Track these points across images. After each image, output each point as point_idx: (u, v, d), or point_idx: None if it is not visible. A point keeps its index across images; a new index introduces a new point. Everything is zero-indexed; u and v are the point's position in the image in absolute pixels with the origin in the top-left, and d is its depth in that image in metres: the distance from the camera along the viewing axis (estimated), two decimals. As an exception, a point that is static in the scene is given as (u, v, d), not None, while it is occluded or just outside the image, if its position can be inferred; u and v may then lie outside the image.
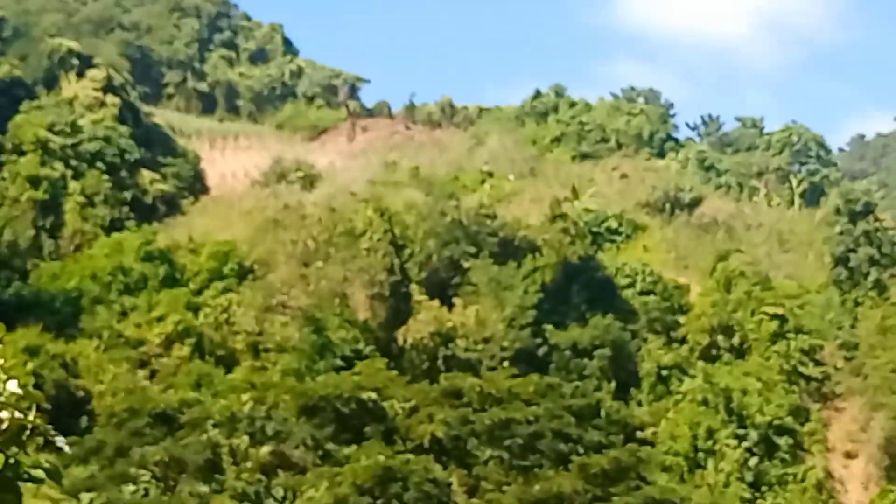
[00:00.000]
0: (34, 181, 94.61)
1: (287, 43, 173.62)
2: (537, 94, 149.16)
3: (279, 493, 51.33)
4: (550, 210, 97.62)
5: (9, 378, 3.79)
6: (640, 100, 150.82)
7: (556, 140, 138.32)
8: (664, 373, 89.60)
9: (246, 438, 52.33)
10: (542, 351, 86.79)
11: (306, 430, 53.20)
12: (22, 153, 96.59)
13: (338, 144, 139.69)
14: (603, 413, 64.64)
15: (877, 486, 74.18)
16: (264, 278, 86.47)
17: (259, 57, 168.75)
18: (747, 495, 77.63)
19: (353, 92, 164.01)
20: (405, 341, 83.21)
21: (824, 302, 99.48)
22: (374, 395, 54.63)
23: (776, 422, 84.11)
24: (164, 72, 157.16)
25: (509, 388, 57.59)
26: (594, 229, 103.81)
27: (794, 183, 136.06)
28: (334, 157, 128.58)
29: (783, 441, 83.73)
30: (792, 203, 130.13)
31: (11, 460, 3.39)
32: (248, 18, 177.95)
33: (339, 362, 74.52)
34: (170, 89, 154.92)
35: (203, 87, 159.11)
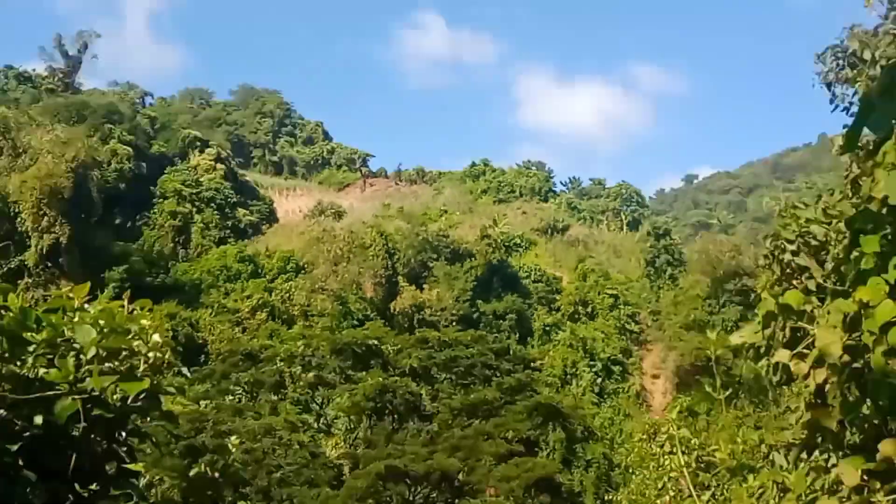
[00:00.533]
0: (173, 214, 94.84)
1: (325, 133, 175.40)
2: (473, 164, 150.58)
3: (319, 399, 51.42)
4: (480, 233, 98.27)
5: (154, 332, 3.92)
6: (534, 167, 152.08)
7: (484, 191, 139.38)
8: (547, 328, 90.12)
9: (299, 368, 52.27)
10: (475, 315, 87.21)
11: (335, 362, 53.14)
12: (166, 198, 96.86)
13: (355, 194, 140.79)
14: (511, 352, 64.88)
15: (671, 395, 74.88)
16: (311, 273, 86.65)
17: (308, 141, 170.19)
18: (595, 400, 78.33)
19: (364, 162, 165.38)
20: (395, 310, 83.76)
21: (640, 287, 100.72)
22: (375, 342, 54.68)
23: (612, 357, 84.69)
24: (251, 150, 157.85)
25: (456, 338, 57.74)
26: (506, 244, 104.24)
27: (623, 217, 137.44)
28: (353, 201, 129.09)
29: (616, 369, 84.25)
30: (622, 229, 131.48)
31: (155, 382, 3.53)
32: (302, 118, 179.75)
33: (355, 323, 74.83)
34: (255, 160, 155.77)
35: (275, 159, 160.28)
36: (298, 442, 41.61)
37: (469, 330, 68.55)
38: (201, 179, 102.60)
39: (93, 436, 2.83)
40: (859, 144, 5.65)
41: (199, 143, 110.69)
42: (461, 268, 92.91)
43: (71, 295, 3.22)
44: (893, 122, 4.58)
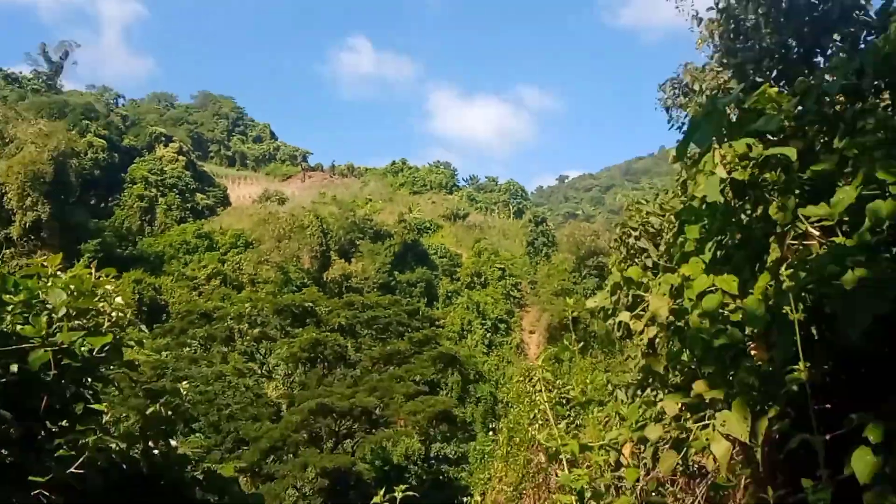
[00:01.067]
0: (141, 197, 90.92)
1: (272, 133, 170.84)
2: (393, 162, 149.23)
3: (262, 351, 50.32)
4: (398, 218, 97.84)
5: (117, 295, 3.78)
6: (442, 166, 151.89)
7: (402, 185, 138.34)
8: (449, 294, 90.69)
9: (247, 325, 51.04)
10: (392, 284, 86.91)
11: (277, 321, 52.17)
12: (135, 183, 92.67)
13: (296, 184, 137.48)
14: (420, 313, 65.01)
15: (543, 346, 76.57)
16: (258, 248, 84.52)
17: (258, 139, 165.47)
18: (485, 350, 79.23)
19: (304, 158, 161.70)
20: (327, 279, 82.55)
21: (522, 262, 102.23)
22: (311, 304, 53.77)
23: (499, 317, 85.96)
24: (209, 145, 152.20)
25: (377, 301, 57.36)
26: (419, 227, 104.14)
27: (510, 208, 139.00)
28: (294, 190, 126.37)
29: (502, 326, 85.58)
30: (509, 217, 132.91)
31: (118, 336, 3.41)
32: (253, 119, 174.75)
33: (294, 289, 73.26)
34: (211, 154, 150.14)
35: (229, 153, 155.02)
36: (244, 385, 40.90)
37: (387, 295, 68.22)
38: (165, 169, 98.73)
39: (62, 381, 2.71)
40: (688, 155, 5.87)
41: (164, 139, 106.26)
42: (382, 245, 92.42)
43: (45, 263, 3.07)
44: (713, 139, 4.79)
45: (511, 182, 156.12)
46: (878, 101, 6.10)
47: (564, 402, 13.24)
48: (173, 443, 3.27)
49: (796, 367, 3.66)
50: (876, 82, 5.71)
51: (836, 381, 4.58)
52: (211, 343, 48.74)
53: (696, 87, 9.32)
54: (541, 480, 12.29)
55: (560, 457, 3.34)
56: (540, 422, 13.41)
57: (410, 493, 4.10)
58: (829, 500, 2.60)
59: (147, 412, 3.16)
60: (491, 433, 20.70)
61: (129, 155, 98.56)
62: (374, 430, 37.65)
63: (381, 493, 3.91)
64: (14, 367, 2.55)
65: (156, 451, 3.04)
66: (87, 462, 2.73)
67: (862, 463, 3.54)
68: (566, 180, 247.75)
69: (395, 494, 4.12)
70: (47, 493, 2.63)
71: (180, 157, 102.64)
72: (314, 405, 34.35)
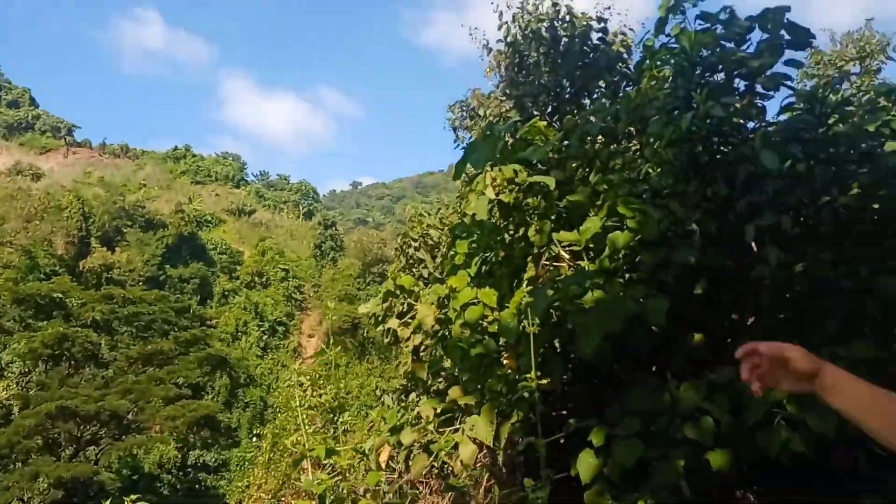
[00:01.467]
0: None
1: (32, 99, 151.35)
2: (176, 147, 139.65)
3: (-5, 344, 44.09)
4: (175, 207, 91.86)
5: None
6: (230, 158, 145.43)
7: (184, 172, 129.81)
8: (226, 293, 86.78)
9: (-23, 313, 44.49)
10: (162, 278, 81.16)
11: (15, 311, 46.00)
12: None
13: (57, 159, 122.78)
14: (191, 311, 61.36)
15: (319, 351, 76.21)
16: (1, 227, 74.20)
17: (13, 104, 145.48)
18: (259, 353, 76.99)
19: (69, 131, 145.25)
20: (84, 268, 74.70)
21: (308, 265, 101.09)
22: (60, 295, 48.19)
23: (278, 319, 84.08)
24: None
25: (140, 296, 53.09)
26: (198, 220, 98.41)
27: (300, 209, 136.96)
28: (54, 166, 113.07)
29: (281, 328, 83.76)
30: (298, 218, 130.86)
31: None
32: (10, 82, 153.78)
33: (42, 276, 64.96)
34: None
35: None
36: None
37: (154, 290, 63.33)
38: None
39: None
40: (467, 174, 6.24)
41: None
42: (154, 236, 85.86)
43: None
44: (487, 162, 5.17)
45: (303, 182, 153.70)
46: (629, 144, 7.00)
47: (337, 406, 13.27)
48: None
49: (531, 376, 4.05)
50: (629, 128, 6.55)
51: (574, 390, 5.15)
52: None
53: (481, 112, 9.99)
54: (301, 489, 12.18)
55: (303, 461, 3.36)
56: (307, 426, 13.30)
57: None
58: (546, 497, 2.90)
59: None
60: (255, 439, 20.09)
61: None
62: (123, 437, 34.59)
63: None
64: None
65: None
66: None
67: (585, 464, 4.03)
68: (359, 187, 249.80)
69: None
70: None
71: None
72: (53, 408, 30.71)
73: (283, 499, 11.32)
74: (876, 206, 3.98)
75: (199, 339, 46.39)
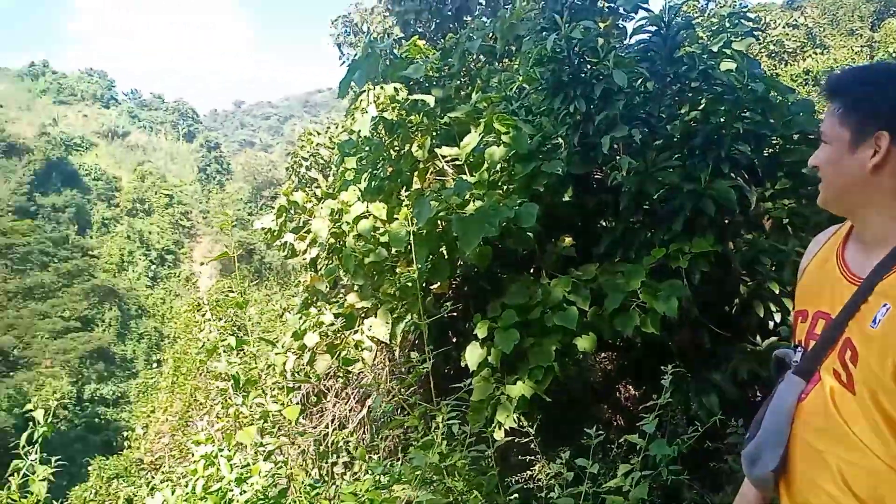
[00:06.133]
0: None
1: None
2: (33, 64, 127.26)
3: None
4: (39, 130, 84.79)
5: None
6: (97, 75, 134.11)
7: (43, 92, 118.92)
8: (106, 222, 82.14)
9: None
10: (33, 208, 75.56)
11: None
12: None
13: None
14: (70, 242, 57.92)
15: (216, 279, 74.47)
16: None
17: None
18: (149, 283, 74.11)
19: None
20: (-59, 199, 68.28)
21: (193, 190, 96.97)
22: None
23: (166, 248, 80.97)
24: None
25: (12, 227, 49.60)
26: (66, 143, 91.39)
27: (180, 129, 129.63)
28: None
29: (170, 257, 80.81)
30: (178, 140, 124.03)
31: None
32: None
33: None
34: None
35: None
36: None
37: (26, 220, 59.10)
38: None
39: None
40: (353, 91, 6.41)
41: None
42: (18, 162, 79.12)
43: None
44: (370, 79, 5.39)
45: (181, 101, 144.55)
46: (509, 63, 7.35)
47: (237, 330, 13.38)
48: None
49: (423, 279, 4.47)
50: (506, 48, 6.88)
51: (460, 292, 5.65)
52: None
53: (365, 28, 9.95)
54: (209, 407, 12.40)
55: (219, 352, 3.65)
56: (207, 349, 13.39)
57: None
58: (431, 367, 3.34)
59: None
60: (156, 366, 19.90)
61: None
62: (11, 373, 33.12)
63: (24, 437, 3.68)
64: None
65: None
66: None
67: (471, 354, 4.56)
68: (242, 105, 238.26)
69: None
70: None
71: None
72: (-74, 349, 28.89)
73: (190, 419, 11.51)
74: (714, 119, 4.55)
75: (82, 271, 44.31)
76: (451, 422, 3.08)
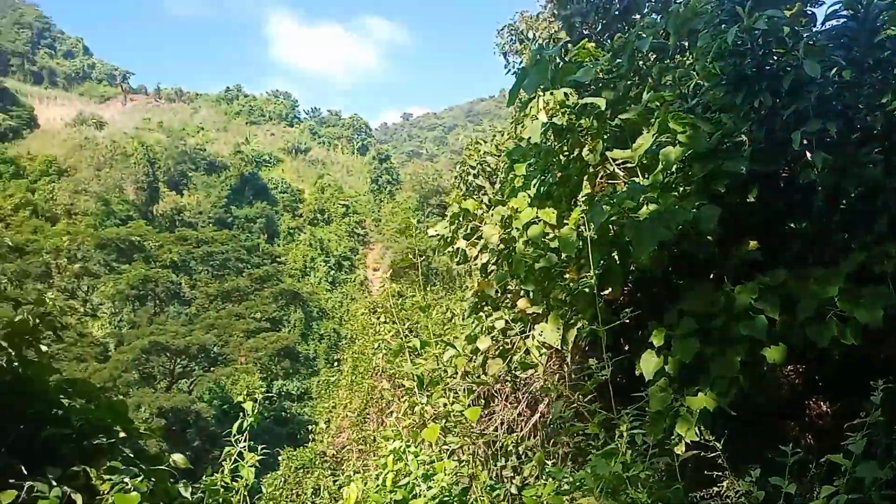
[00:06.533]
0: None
1: (86, 48, 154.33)
2: (228, 89, 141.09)
3: (85, 288, 46.86)
4: (234, 149, 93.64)
5: None
6: (282, 97, 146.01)
7: (237, 113, 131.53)
8: (291, 231, 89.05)
9: (65, 261, 47.14)
10: (229, 219, 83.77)
11: (100, 256, 48.69)
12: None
13: (116, 107, 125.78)
14: (260, 249, 63.45)
15: (387, 284, 77.33)
16: (74, 176, 77.24)
17: (69, 55, 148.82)
18: (328, 288, 79.05)
19: (125, 78, 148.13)
20: (156, 213, 77.66)
21: (366, 200, 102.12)
22: (138, 238, 50.60)
23: (343, 254, 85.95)
24: (9, 59, 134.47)
25: (212, 237, 55.15)
26: (257, 160, 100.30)
27: (354, 144, 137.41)
28: (114, 114, 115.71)
29: (346, 263, 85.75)
30: (353, 153, 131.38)
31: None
32: (63, 32, 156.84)
33: (118, 222, 68.01)
34: (13, 69, 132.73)
35: (34, 69, 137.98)
36: (66, 324, 38.11)
37: (224, 230, 65.64)
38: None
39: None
40: (520, 100, 6.45)
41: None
42: (217, 177, 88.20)
43: None
44: (539, 86, 5.39)
45: (355, 117, 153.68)
46: (682, 59, 7.01)
47: (409, 332, 13.92)
48: (44, 348, 3.36)
49: (591, 284, 4.38)
50: (679, 44, 6.58)
51: (633, 298, 5.48)
52: (25, 280, 44.56)
53: (530, 35, 9.97)
54: (384, 405, 12.99)
55: (403, 353, 3.82)
56: (384, 351, 14.04)
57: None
58: (609, 375, 3.27)
59: (16, 320, 3.22)
60: (337, 364, 21.19)
61: None
62: (212, 369, 36.90)
63: (235, 426, 4.00)
64: None
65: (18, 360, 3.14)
66: None
67: (647, 363, 4.40)
68: (410, 118, 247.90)
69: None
70: None
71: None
72: (146, 343, 32.97)
73: (368, 416, 12.15)
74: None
75: (271, 276, 48.30)
76: (634, 431, 2.99)
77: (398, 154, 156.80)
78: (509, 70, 11.28)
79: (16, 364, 3.27)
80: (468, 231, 6.20)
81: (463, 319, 7.66)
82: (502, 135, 10.05)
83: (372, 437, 12.47)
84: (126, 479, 2.99)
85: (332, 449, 13.11)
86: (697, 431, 3.65)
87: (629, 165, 4.98)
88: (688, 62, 6.41)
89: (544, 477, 3.67)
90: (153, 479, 3.15)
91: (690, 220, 4.20)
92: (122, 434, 3.35)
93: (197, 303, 43.58)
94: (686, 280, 4.84)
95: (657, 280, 5.02)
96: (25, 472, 2.92)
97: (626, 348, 5.22)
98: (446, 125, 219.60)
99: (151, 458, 3.34)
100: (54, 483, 2.89)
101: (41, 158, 79.32)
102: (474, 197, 9.21)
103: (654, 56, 6.86)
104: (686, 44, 6.68)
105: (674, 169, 4.74)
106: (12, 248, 46.90)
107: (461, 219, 6.12)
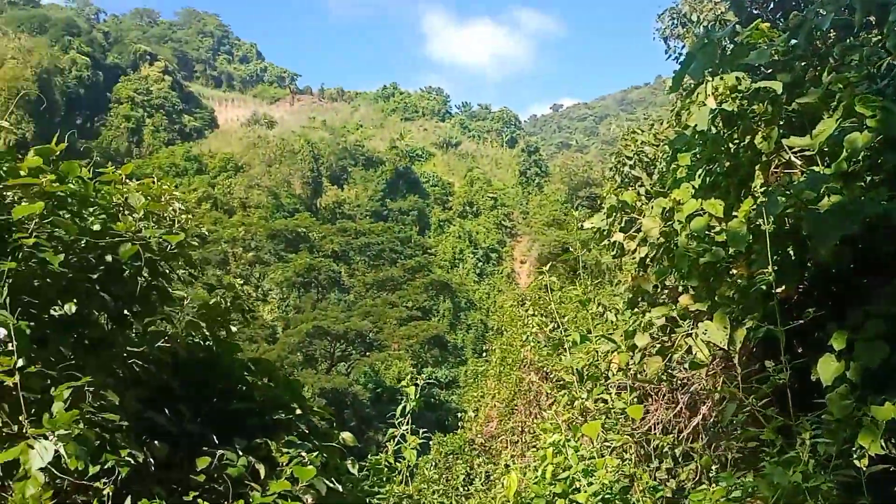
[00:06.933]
0: (127, 118, 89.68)
1: (259, 53, 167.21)
2: (384, 87, 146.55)
3: (257, 274, 50.88)
4: (389, 144, 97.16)
5: (179, 201, 4.08)
6: (434, 93, 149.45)
7: (393, 111, 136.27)
8: (441, 223, 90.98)
9: (241, 249, 51.43)
10: (385, 212, 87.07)
11: (270, 245, 52.61)
12: (121, 103, 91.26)
13: (285, 107, 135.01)
14: (413, 240, 65.47)
15: (534, 276, 77.07)
16: (248, 172, 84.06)
17: (244, 59, 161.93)
18: (476, 279, 79.87)
19: (292, 80, 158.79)
20: (320, 206, 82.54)
21: (514, 192, 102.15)
22: (304, 230, 54.10)
23: (491, 246, 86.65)
24: (194, 65, 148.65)
25: (369, 228, 57.76)
26: (410, 155, 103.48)
27: (503, 137, 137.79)
28: (283, 114, 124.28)
29: (494, 255, 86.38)
30: (502, 146, 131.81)
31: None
32: (238, 39, 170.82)
33: (286, 214, 73.15)
34: (197, 74, 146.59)
35: (215, 74, 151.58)
36: (251, 308, 41.65)
37: (380, 222, 68.53)
38: (151, 88, 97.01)
39: (142, 273, 3.13)
40: (682, 86, 6.14)
41: (148, 57, 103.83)
42: (374, 172, 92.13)
43: (119, 171, 3.48)
44: (707, 71, 5.09)
45: (504, 110, 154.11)
46: (869, 35, 6.35)
47: (557, 326, 13.77)
48: (234, 329, 3.73)
49: (770, 281, 4.07)
50: (866, 19, 5.96)
51: (809, 297, 5.05)
52: (205, 266, 49.25)
53: (694, 18, 9.44)
54: (531, 397, 12.97)
55: (563, 347, 3.78)
56: (532, 343, 14.02)
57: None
58: (788, 379, 3.04)
59: (210, 302, 3.59)
60: (485, 354, 21.46)
61: (114, 73, 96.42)
62: (367, 354, 38.75)
63: (399, 409, 4.09)
64: (108, 258, 2.99)
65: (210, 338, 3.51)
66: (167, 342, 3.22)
67: (825, 367, 4.04)
68: (560, 109, 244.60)
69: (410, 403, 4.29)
70: (141, 363, 3.10)
71: (166, 77, 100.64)
72: (310, 328, 35.25)
73: (516, 407, 12.20)
74: None
75: (422, 267, 49.82)
76: (818, 440, 2.75)
77: (547, 146, 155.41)
78: (669, 55, 10.81)
79: (209, 343, 3.65)
80: (623, 225, 6.00)
81: (617, 315, 7.43)
82: (661, 123, 9.63)
83: (520, 428, 12.51)
84: (303, 454, 3.21)
85: (481, 437, 13.29)
86: (883, 444, 3.32)
87: (807, 153, 4.58)
88: (875, 39, 5.80)
89: (709, 481, 3.48)
90: (325, 454, 3.37)
91: (881, 212, 3.79)
92: (298, 411, 3.63)
93: (355, 290, 45.93)
94: (873, 278, 4.39)
95: (838, 277, 4.60)
96: (216, 442, 3.23)
97: (800, 350, 4.83)
98: (597, 115, 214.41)
99: (323, 434, 3.59)
100: (240, 453, 3.17)
101: (220, 156, 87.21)
102: (630, 188, 8.91)
103: (836, 34, 6.27)
104: (874, 19, 6.04)
105: (860, 157, 4.31)
106: (196, 237, 51.77)
107: (618, 211, 5.94)
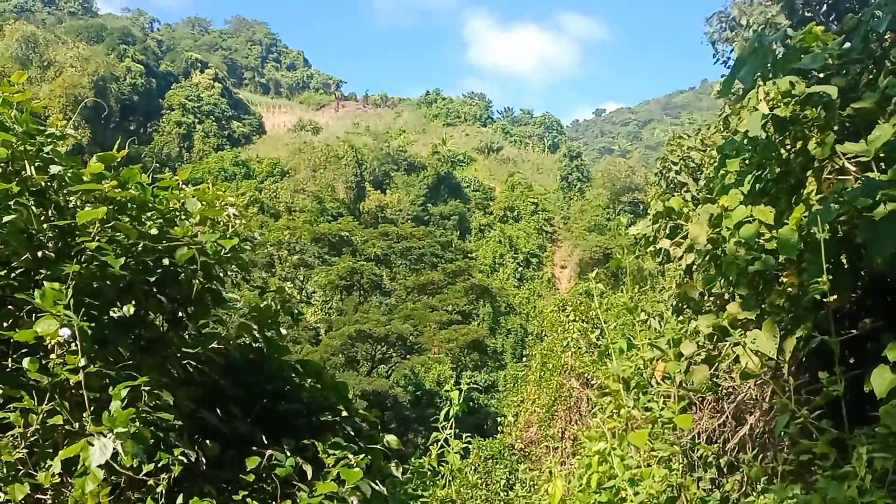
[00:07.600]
0: (179, 124, 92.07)
1: (305, 60, 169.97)
2: (427, 93, 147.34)
3: (301, 277, 51.57)
4: (431, 150, 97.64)
5: (232, 206, 4.19)
6: (476, 98, 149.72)
7: (435, 116, 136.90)
8: (482, 228, 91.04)
9: (286, 252, 52.22)
10: (426, 217, 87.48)
11: (314, 249, 53.22)
12: (172, 110, 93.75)
13: (330, 113, 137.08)
14: (453, 245, 65.52)
15: (574, 281, 76.63)
16: (293, 177, 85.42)
17: (291, 67, 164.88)
18: (516, 284, 79.62)
19: (337, 87, 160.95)
20: (362, 210, 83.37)
21: (556, 197, 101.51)
22: (347, 233, 54.60)
23: (531, 251, 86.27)
24: (243, 72, 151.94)
25: (411, 232, 57.94)
26: (452, 160, 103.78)
27: (545, 141, 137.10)
28: (328, 120, 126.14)
29: (534, 260, 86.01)
30: (544, 151, 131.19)
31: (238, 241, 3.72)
32: (286, 47, 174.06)
33: (330, 218, 73.98)
34: (246, 81, 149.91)
35: (263, 81, 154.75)
36: (301, 312, 42.31)
37: (421, 227, 68.79)
38: (202, 95, 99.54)
39: (198, 276, 3.22)
40: (731, 91, 6.02)
41: (199, 65, 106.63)
42: (416, 177, 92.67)
43: (175, 177, 3.59)
44: (757, 75, 4.97)
45: (546, 115, 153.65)
46: (928, 38, 6.12)
47: (598, 332, 13.62)
48: (283, 331, 3.80)
49: (824, 290, 3.94)
50: (926, 20, 5.74)
51: (863, 307, 4.88)
52: (252, 269, 50.07)
53: (744, 22, 9.24)
54: (572, 403, 12.85)
55: (610, 353, 3.74)
56: (572, 349, 13.89)
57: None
58: (842, 390, 2.95)
59: (261, 305, 3.66)
60: (524, 359, 21.34)
61: (166, 80, 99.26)
62: (408, 357, 38.89)
63: (443, 413, 4.11)
64: (166, 261, 3.09)
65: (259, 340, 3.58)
66: (219, 343, 3.31)
67: (880, 379, 3.89)
68: (603, 114, 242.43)
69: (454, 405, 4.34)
70: (194, 364, 3.19)
71: (216, 84, 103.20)
72: (352, 330, 35.54)
73: (556, 413, 12.10)
74: None
75: (462, 271, 49.73)
76: (877, 454, 2.67)
77: (589, 151, 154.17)
78: (717, 59, 10.61)
79: (258, 344, 3.73)
80: (669, 232, 5.89)
81: (661, 323, 7.31)
82: (707, 128, 9.46)
83: (560, 435, 12.40)
84: (349, 455, 3.25)
85: (521, 443, 13.21)
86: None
87: (862, 160, 4.44)
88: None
89: (756, 493, 3.40)
90: (370, 456, 3.40)
91: (942, 220, 3.65)
92: (343, 413, 3.67)
93: (396, 294, 46.14)
94: (931, 288, 4.23)
95: (894, 287, 4.45)
96: (265, 442, 3.29)
97: (852, 361, 4.67)
98: (640, 120, 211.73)
99: (368, 436, 3.62)
100: (288, 453, 3.22)
101: (267, 161, 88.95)
102: (675, 194, 8.77)
103: (892, 37, 6.06)
104: (934, 20, 5.83)
105: (919, 163, 4.15)
106: (243, 240, 52.70)
107: (663, 217, 5.84)
